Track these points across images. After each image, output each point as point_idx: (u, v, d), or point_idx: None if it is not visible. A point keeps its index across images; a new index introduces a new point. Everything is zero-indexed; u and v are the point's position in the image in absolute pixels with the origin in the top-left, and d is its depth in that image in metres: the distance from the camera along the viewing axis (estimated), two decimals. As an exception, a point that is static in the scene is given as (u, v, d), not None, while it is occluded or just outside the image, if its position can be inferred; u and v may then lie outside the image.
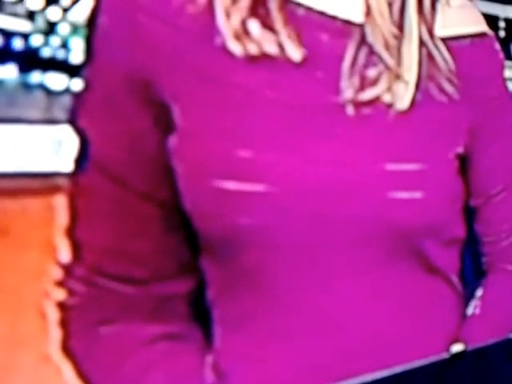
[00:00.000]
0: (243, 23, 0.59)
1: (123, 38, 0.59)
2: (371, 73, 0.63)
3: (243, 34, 0.59)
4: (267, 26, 0.60)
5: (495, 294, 0.74)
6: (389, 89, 0.63)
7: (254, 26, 0.59)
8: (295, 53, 0.60)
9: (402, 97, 0.64)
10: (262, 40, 0.59)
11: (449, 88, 0.67)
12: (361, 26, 0.64)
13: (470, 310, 0.73)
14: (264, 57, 0.59)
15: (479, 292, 0.74)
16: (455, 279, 0.72)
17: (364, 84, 0.63)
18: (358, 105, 0.63)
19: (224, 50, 0.59)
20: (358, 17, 0.64)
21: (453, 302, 0.72)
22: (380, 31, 0.63)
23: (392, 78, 0.64)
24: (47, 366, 0.55)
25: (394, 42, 0.64)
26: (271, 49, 0.59)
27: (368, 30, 0.63)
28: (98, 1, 0.59)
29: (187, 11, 0.59)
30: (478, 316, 0.72)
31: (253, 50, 0.59)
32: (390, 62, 0.63)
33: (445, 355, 0.67)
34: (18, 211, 0.53)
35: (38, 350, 0.57)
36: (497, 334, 0.71)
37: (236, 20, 0.58)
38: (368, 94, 0.63)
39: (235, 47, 0.59)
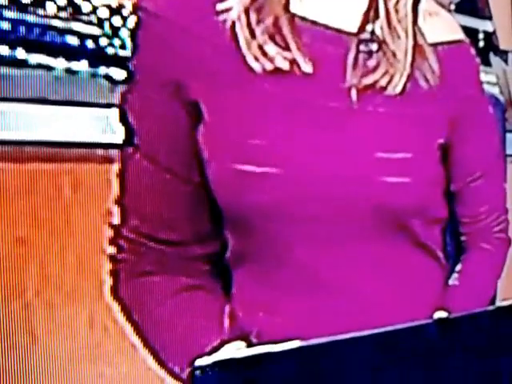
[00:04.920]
0: (261, 48, 0.69)
1: (161, 48, 0.69)
2: (371, 63, 0.72)
3: (262, 55, 0.69)
4: (282, 46, 0.70)
5: (473, 268, 0.83)
6: (386, 73, 0.73)
7: (270, 48, 0.70)
8: (307, 67, 0.70)
9: (397, 83, 0.73)
10: (277, 58, 0.69)
11: (432, 78, 0.76)
12: (355, 35, 0.74)
13: (450, 282, 0.82)
14: (278, 70, 0.70)
15: (459, 267, 0.83)
16: (440, 254, 0.81)
17: (366, 74, 0.72)
18: (360, 90, 0.72)
19: (245, 63, 0.69)
20: (351, 27, 0.74)
21: (437, 273, 0.81)
22: (393, 25, 0.72)
23: (389, 67, 0.73)
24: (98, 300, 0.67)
25: (397, 38, 0.73)
26: (284, 65, 0.70)
27: (384, 24, 0.73)
28: (139, 18, 0.71)
29: (215, 28, 0.69)
30: (457, 287, 0.81)
31: (269, 67, 0.69)
32: (398, 54, 0.72)
33: (429, 320, 0.76)
34: (85, 174, 0.66)
35: (99, 280, 0.71)
36: (474, 303, 0.80)
37: (255, 47, 0.69)
38: (369, 79, 0.72)
39: (255, 65, 0.69)
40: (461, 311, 0.73)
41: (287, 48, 0.70)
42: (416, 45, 0.75)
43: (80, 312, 0.74)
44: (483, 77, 0.84)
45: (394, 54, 0.73)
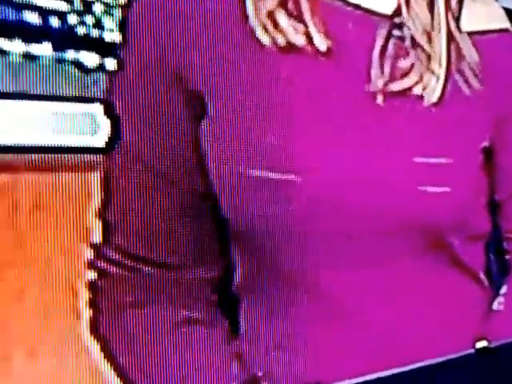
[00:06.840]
0: (271, 15, 0.60)
1: (161, 27, 0.60)
2: (403, 63, 0.64)
3: (272, 25, 0.61)
4: (295, 16, 0.61)
5: None
6: (420, 81, 0.65)
7: (281, 17, 0.61)
8: (322, 44, 0.62)
9: (433, 90, 0.65)
10: (289, 31, 0.61)
11: (474, 82, 0.69)
12: (388, 17, 0.65)
13: (494, 307, 0.74)
14: (291, 46, 0.61)
15: (504, 289, 0.75)
16: (482, 276, 0.73)
17: (395, 74, 0.64)
18: (388, 95, 0.64)
19: (253, 38, 0.60)
20: (385, 8, 0.65)
21: (479, 298, 0.73)
22: (420, 21, 0.65)
23: (424, 70, 0.65)
24: (71, 341, 0.56)
25: (428, 35, 0.66)
26: (298, 40, 0.61)
27: (409, 20, 0.65)
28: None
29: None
30: (502, 312, 0.73)
31: (280, 41, 0.61)
32: (429, 50, 0.65)
33: (470, 350, 0.68)
34: (51, 186, 0.53)
35: (63, 325, 0.58)
36: (521, 330, 0.72)
37: (264, 14, 0.60)
38: (399, 85, 0.64)
39: (263, 37, 0.60)
40: (506, 339, 0.69)
41: (300, 19, 0.61)
42: (452, 38, 0.67)
43: (46, 361, 0.60)
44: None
45: (429, 55, 0.65)
